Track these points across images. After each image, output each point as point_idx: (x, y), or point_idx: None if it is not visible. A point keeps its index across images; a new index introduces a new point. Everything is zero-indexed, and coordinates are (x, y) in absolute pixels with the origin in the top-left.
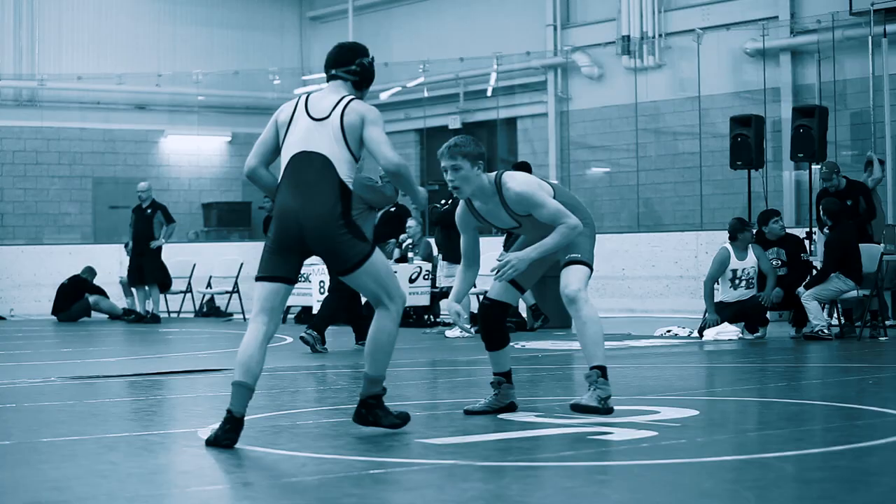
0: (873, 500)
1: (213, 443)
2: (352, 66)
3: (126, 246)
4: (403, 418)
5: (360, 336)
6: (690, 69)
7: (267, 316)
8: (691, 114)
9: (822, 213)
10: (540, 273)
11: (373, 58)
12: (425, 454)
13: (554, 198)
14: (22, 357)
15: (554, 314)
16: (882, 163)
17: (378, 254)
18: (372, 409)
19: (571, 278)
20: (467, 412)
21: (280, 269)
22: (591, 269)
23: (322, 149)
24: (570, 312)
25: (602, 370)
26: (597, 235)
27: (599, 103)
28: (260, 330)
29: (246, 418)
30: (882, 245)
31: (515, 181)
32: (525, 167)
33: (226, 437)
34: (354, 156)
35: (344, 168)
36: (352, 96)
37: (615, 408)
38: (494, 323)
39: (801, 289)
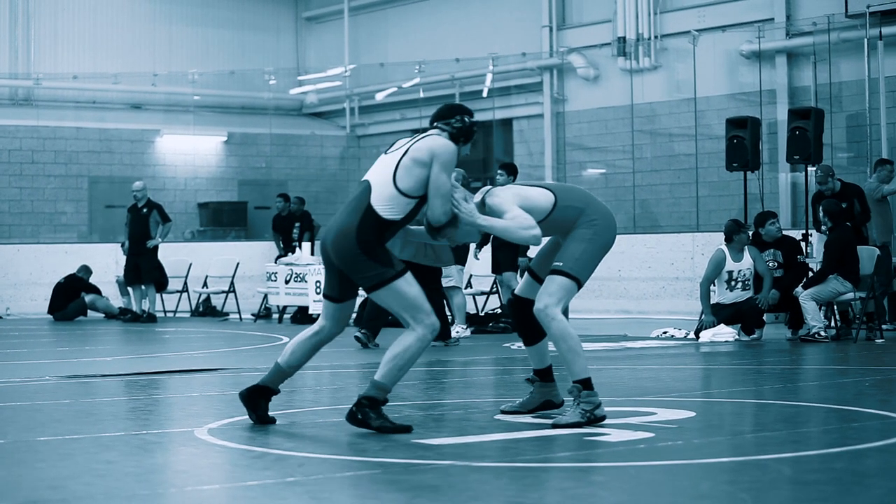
0: (870, 503)
1: (243, 398)
2: (451, 119)
3: (122, 245)
4: (400, 428)
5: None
6: (686, 71)
7: (324, 321)
8: (687, 115)
9: (822, 214)
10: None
11: (474, 119)
12: (423, 455)
13: (556, 203)
14: (18, 356)
15: None
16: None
17: (405, 280)
18: (363, 409)
19: (544, 292)
20: (503, 412)
21: (327, 287)
22: (579, 282)
23: (371, 176)
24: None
25: (584, 383)
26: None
27: (595, 104)
28: (313, 329)
29: (243, 418)
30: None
31: (492, 198)
32: (511, 168)
33: (248, 400)
34: (398, 188)
35: (381, 194)
36: (435, 133)
37: (612, 409)
38: (523, 318)
39: (799, 289)
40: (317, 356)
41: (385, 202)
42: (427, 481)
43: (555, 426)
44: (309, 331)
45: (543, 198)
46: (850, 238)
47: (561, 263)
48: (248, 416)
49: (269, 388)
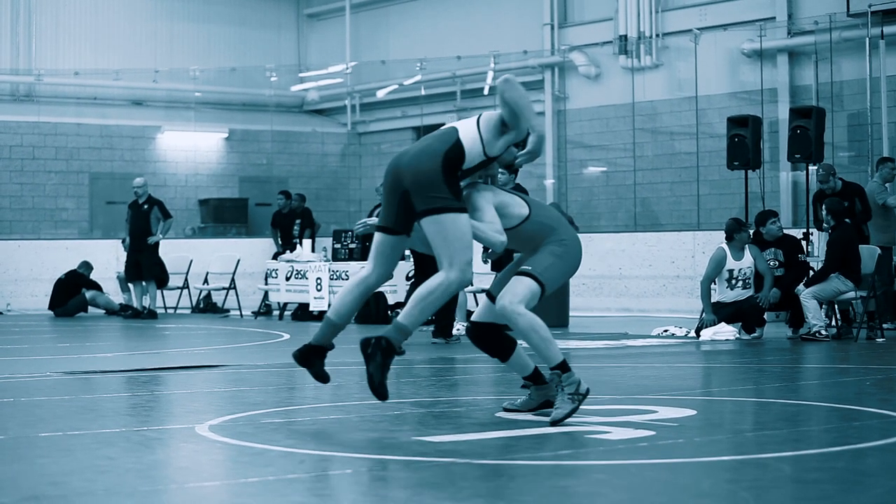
0: (870, 502)
1: (296, 358)
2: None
3: (123, 242)
4: (380, 391)
5: (439, 332)
6: (687, 69)
7: (373, 263)
8: (688, 114)
9: (824, 212)
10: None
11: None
12: (423, 452)
13: (529, 215)
14: (19, 352)
15: (550, 313)
16: None
17: (465, 220)
18: (377, 348)
19: (509, 290)
20: (505, 409)
21: (384, 217)
22: (544, 289)
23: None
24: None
25: (561, 366)
26: (587, 237)
27: (596, 103)
28: (360, 275)
29: (244, 414)
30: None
31: (472, 191)
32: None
33: (301, 359)
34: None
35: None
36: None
37: (613, 407)
38: (483, 341)
39: (800, 287)
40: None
41: (469, 144)
42: (428, 478)
43: (553, 423)
44: (356, 278)
45: (518, 206)
46: (853, 237)
47: (530, 267)
48: (247, 413)
49: (322, 346)
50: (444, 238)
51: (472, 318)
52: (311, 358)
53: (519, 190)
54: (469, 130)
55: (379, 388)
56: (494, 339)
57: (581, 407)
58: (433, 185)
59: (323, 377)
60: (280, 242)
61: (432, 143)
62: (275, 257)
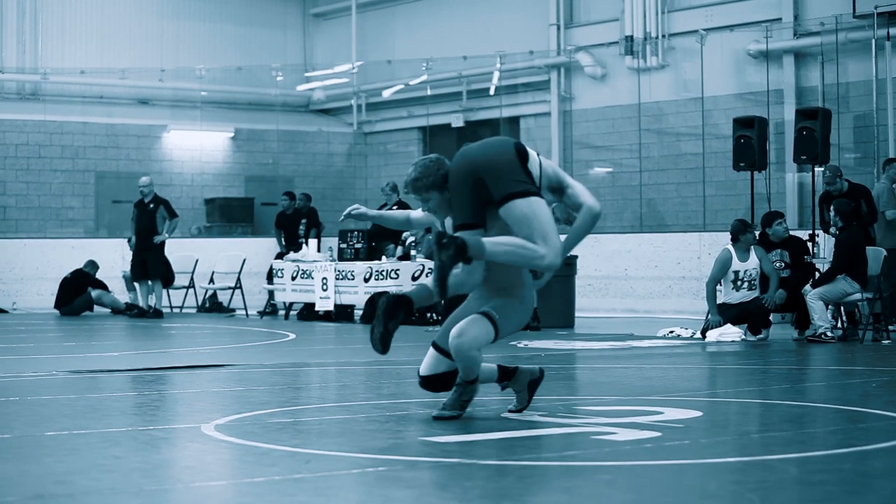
0: (876, 503)
1: (383, 305)
2: None
3: (129, 241)
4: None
5: None
6: (693, 70)
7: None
8: (694, 115)
9: (833, 213)
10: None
11: None
12: (429, 452)
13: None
14: (24, 351)
15: (555, 314)
16: None
17: (545, 205)
18: (449, 248)
19: (470, 332)
20: (510, 411)
21: (459, 216)
22: (497, 338)
23: None
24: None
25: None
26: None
27: (602, 103)
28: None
29: (250, 414)
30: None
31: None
32: None
33: (388, 307)
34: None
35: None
36: None
37: (619, 408)
38: (439, 388)
39: (807, 287)
40: (323, 353)
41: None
42: (433, 479)
43: (434, 418)
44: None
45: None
46: (860, 238)
47: (497, 315)
48: (253, 413)
49: (412, 301)
50: (534, 217)
51: (423, 372)
52: (397, 310)
53: None
54: (530, 150)
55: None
56: (449, 381)
57: (587, 408)
58: (513, 170)
59: (387, 341)
60: (284, 243)
61: (496, 139)
62: (278, 258)
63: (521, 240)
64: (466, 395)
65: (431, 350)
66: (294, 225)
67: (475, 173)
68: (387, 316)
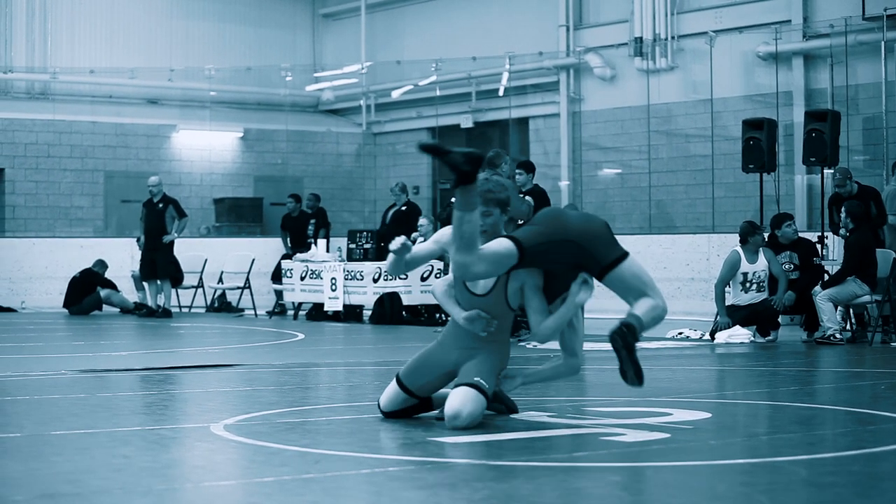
0: None
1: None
2: None
3: (138, 240)
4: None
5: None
6: (703, 72)
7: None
8: (703, 116)
9: (844, 215)
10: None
11: None
12: (438, 453)
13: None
14: (33, 350)
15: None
16: None
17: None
18: (626, 333)
19: (466, 409)
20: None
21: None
22: (488, 403)
23: None
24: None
25: None
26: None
27: (612, 104)
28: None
29: (259, 414)
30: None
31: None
32: (529, 166)
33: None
34: None
35: None
36: None
37: (628, 409)
38: (403, 416)
39: (816, 289)
40: (331, 353)
41: None
42: (443, 479)
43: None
44: None
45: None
46: (870, 240)
47: (483, 380)
48: (262, 412)
49: (638, 328)
50: (642, 272)
51: (385, 408)
52: (635, 341)
53: (536, 191)
54: None
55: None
56: (411, 412)
57: (596, 409)
58: (612, 240)
59: (641, 374)
60: (290, 245)
61: (588, 213)
62: (285, 258)
63: (649, 300)
64: None
65: (394, 384)
66: (300, 227)
67: (576, 239)
68: (629, 351)
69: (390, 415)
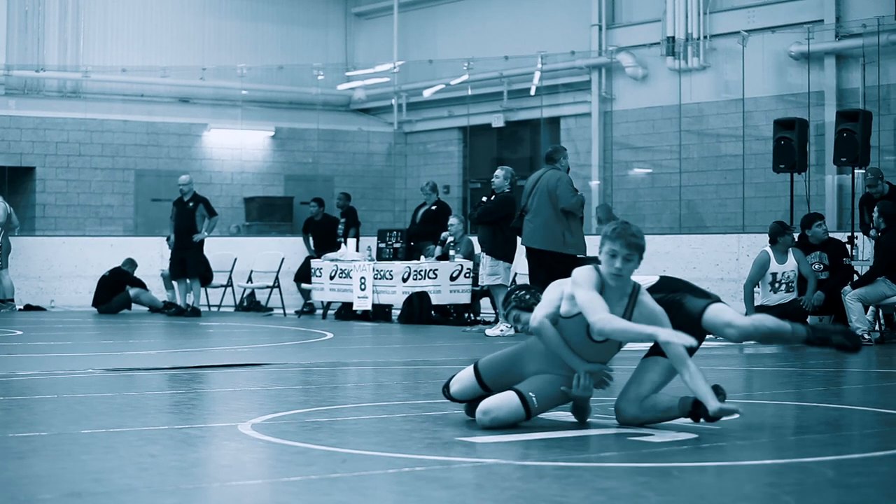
0: None
1: None
2: None
3: (168, 240)
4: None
5: None
6: (735, 71)
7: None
8: (735, 116)
9: (877, 215)
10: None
11: None
12: (466, 453)
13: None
14: (62, 348)
15: None
16: None
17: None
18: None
19: (501, 409)
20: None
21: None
22: (529, 416)
23: None
24: None
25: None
26: None
27: (643, 104)
28: None
29: (287, 413)
30: None
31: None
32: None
33: None
34: None
35: None
36: None
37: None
38: (470, 404)
39: (846, 288)
40: (360, 352)
41: None
42: (470, 479)
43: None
44: None
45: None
46: None
47: (535, 400)
48: (290, 412)
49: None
50: (728, 306)
51: (456, 395)
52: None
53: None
54: None
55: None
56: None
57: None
58: (694, 286)
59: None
60: (314, 248)
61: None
62: (307, 262)
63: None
64: None
65: (471, 374)
66: (324, 230)
67: (673, 296)
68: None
69: (457, 401)
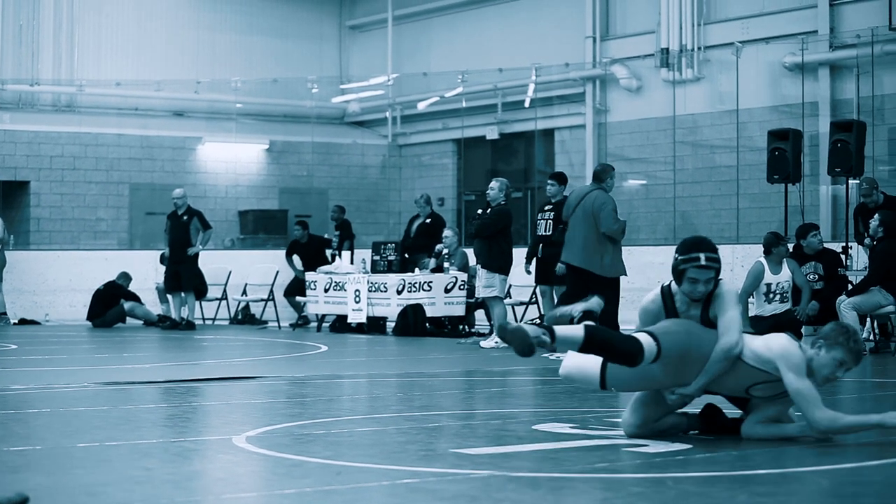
0: None
1: None
2: None
3: (162, 257)
4: None
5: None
6: (729, 82)
7: None
8: (729, 127)
9: (877, 224)
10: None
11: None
12: (460, 464)
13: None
14: (57, 362)
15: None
16: None
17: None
18: None
19: (576, 368)
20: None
21: None
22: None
23: None
24: None
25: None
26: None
27: (637, 115)
28: None
29: (281, 426)
30: None
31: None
32: (561, 178)
33: None
34: None
35: None
36: None
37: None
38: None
39: (843, 296)
40: (354, 365)
41: None
42: (464, 491)
43: None
44: None
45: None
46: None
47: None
48: (284, 424)
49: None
50: None
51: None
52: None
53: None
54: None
55: None
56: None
57: (619, 420)
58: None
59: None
60: (302, 269)
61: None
62: (295, 282)
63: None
64: None
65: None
66: (311, 252)
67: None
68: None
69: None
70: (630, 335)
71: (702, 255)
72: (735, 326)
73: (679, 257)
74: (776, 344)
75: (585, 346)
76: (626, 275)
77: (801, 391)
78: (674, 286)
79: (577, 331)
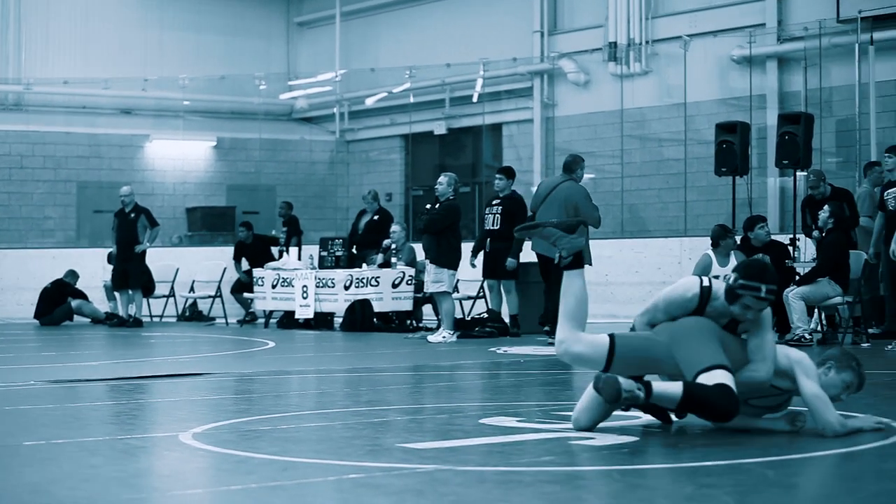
0: None
1: None
2: None
3: (109, 256)
4: None
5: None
6: (677, 76)
7: None
8: (677, 120)
9: (827, 215)
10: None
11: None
12: (406, 459)
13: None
14: (3, 360)
15: (536, 321)
16: None
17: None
18: None
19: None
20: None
21: None
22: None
23: None
24: None
25: None
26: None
27: (585, 109)
28: None
29: (228, 422)
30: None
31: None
32: (509, 172)
33: None
34: None
35: None
36: None
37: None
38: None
39: (792, 285)
40: (302, 361)
41: None
42: (411, 485)
43: None
44: None
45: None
46: (845, 242)
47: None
48: (230, 421)
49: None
50: None
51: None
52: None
53: (515, 198)
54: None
55: None
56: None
57: (565, 413)
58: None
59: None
60: (244, 271)
61: None
62: (239, 283)
63: None
64: None
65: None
66: (257, 252)
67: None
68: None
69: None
70: (721, 384)
71: (763, 287)
72: (771, 356)
73: (740, 281)
74: (795, 353)
75: (683, 405)
76: (591, 264)
77: (820, 396)
78: (715, 289)
79: (674, 388)
